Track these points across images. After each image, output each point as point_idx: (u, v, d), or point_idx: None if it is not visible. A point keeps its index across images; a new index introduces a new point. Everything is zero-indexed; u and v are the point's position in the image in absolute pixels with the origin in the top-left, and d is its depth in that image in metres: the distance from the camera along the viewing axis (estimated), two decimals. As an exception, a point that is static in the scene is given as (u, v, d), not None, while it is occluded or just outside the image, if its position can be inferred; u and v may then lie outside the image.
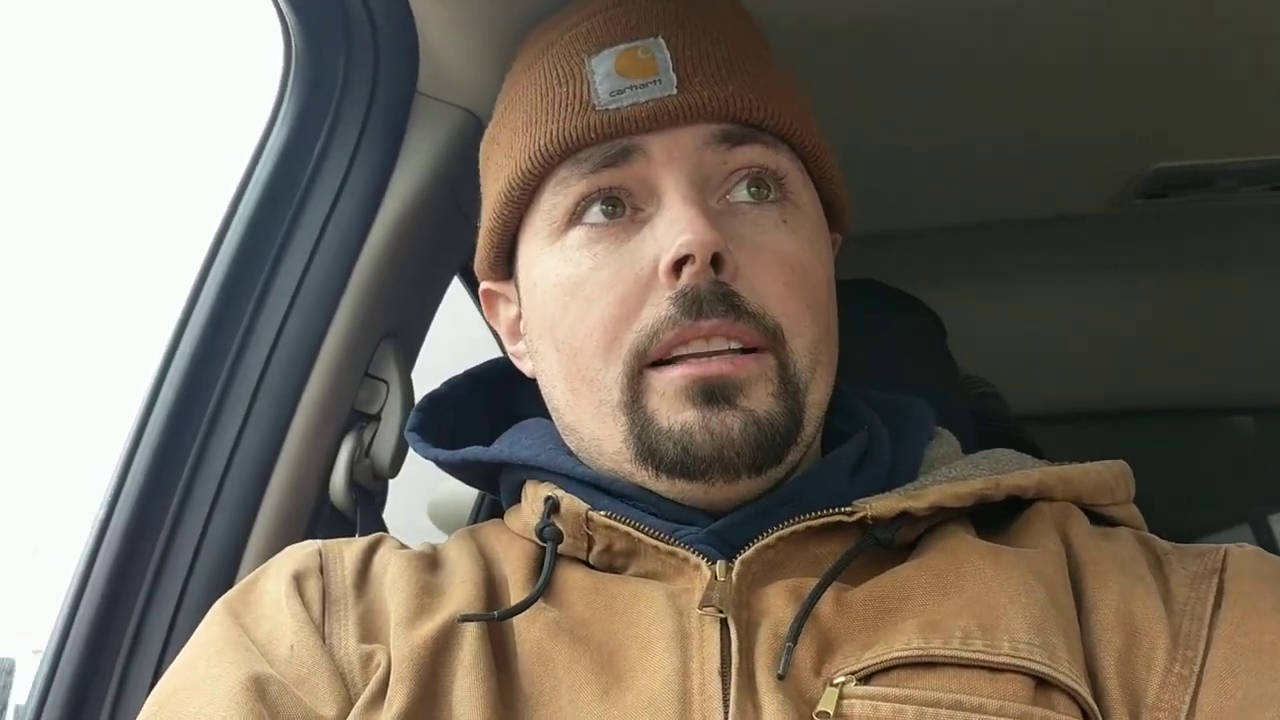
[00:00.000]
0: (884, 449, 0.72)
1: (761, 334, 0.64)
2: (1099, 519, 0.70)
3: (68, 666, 0.81)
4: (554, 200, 0.68)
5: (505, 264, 0.75)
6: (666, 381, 0.64)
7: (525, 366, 0.76)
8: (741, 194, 0.68)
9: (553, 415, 0.72)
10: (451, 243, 1.03)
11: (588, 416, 0.68)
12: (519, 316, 0.75)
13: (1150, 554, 0.66)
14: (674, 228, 0.63)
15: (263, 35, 0.88)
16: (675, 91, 0.66)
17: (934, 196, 1.26)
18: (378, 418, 0.95)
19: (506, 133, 0.72)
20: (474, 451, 0.76)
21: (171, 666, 0.65)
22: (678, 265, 0.63)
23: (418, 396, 0.96)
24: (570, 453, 0.72)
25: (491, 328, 0.83)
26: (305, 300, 0.90)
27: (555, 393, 0.70)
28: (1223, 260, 1.40)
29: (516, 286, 0.74)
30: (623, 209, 0.67)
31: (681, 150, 0.66)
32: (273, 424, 0.88)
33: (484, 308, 0.79)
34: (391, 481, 0.98)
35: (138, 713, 0.63)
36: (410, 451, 0.84)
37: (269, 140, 0.90)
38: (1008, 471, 0.69)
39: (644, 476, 0.66)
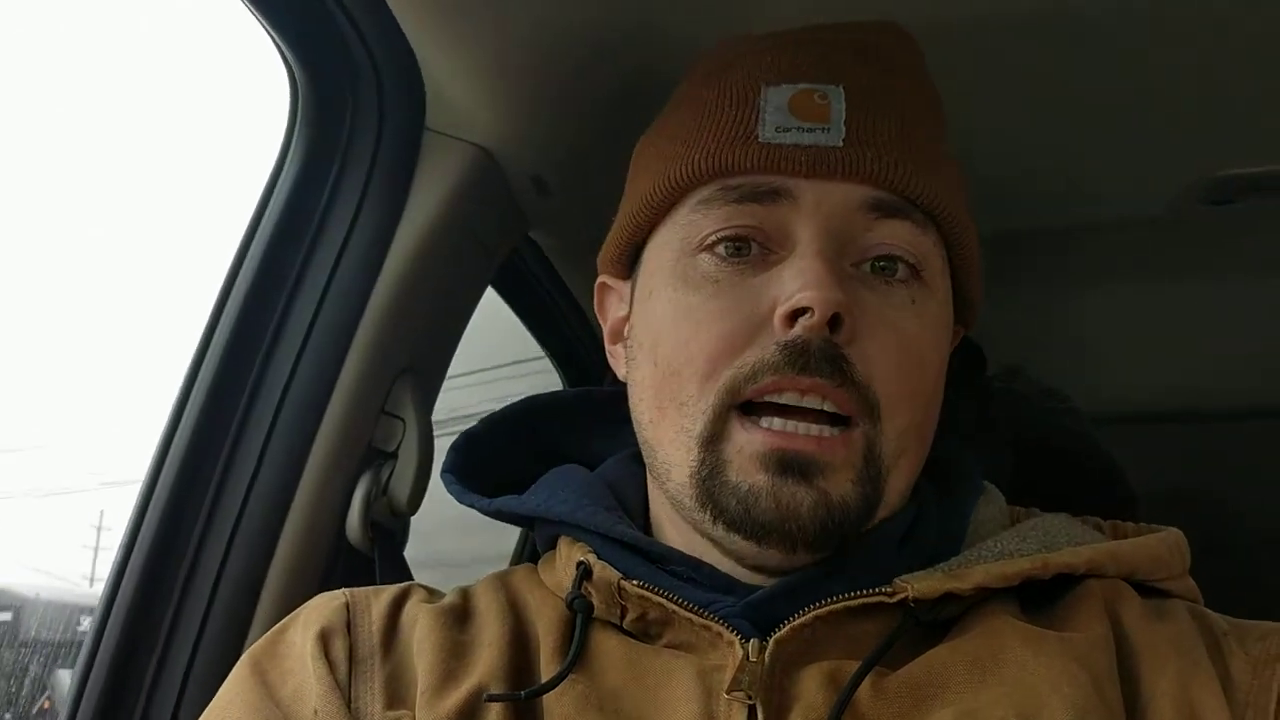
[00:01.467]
0: (931, 516, 0.70)
1: (859, 404, 0.62)
2: (1152, 590, 0.68)
3: (88, 705, 0.82)
4: (693, 218, 0.67)
5: (628, 264, 0.75)
6: (747, 440, 0.62)
7: (619, 369, 0.76)
8: (877, 266, 0.66)
9: (635, 427, 0.71)
10: (470, 277, 1.02)
11: (667, 439, 0.66)
12: (626, 319, 0.74)
13: (1207, 633, 0.63)
14: (799, 279, 0.62)
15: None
16: (840, 145, 0.65)
17: (990, 201, 1.21)
18: (395, 455, 0.94)
19: (665, 139, 0.72)
20: (509, 503, 0.75)
21: None
22: (794, 315, 0.61)
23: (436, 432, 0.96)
24: (609, 508, 0.71)
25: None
26: (319, 339, 0.90)
27: (642, 406, 0.69)
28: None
29: (632, 289, 0.74)
30: (749, 249, 0.66)
31: (830, 204, 0.65)
32: (288, 462, 0.88)
33: (596, 300, 0.79)
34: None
35: None
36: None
37: (279, 177, 0.90)
38: (1057, 547, 0.67)
39: (702, 519, 0.65)
